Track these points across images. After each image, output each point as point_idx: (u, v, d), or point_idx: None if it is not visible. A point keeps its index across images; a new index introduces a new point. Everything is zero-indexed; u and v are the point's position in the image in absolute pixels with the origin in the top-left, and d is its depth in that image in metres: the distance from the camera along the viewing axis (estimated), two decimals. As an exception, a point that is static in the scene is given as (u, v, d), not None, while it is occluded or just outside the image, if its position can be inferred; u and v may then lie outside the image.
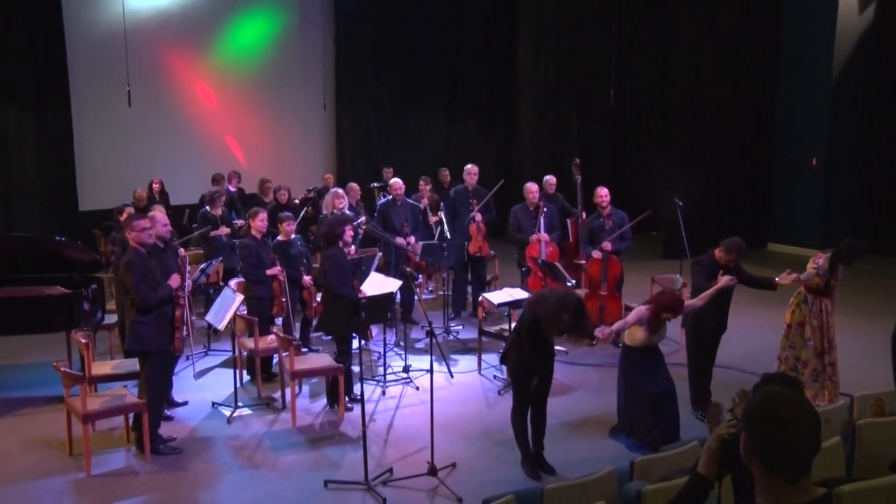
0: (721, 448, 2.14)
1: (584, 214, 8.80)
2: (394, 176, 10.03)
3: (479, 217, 8.88)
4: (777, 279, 6.19)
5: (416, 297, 8.92)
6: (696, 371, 6.37)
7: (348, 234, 6.61)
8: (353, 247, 7.81)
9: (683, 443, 4.17)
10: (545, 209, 8.42)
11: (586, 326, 5.34)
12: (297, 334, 7.61)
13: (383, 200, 9.18)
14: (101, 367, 6.34)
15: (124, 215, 7.02)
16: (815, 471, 1.92)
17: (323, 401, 6.79)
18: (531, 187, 8.51)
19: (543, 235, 8.31)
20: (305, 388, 7.02)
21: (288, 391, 6.53)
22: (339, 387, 6.47)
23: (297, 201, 10.74)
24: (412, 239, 8.66)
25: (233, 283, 7.30)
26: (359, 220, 8.51)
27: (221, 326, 6.46)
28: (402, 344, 7.88)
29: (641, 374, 5.73)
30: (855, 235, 6.46)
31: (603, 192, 8.24)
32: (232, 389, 6.67)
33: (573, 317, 5.17)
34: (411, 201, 9.17)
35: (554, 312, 5.19)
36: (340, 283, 6.44)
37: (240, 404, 6.57)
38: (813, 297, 6.26)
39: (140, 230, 5.64)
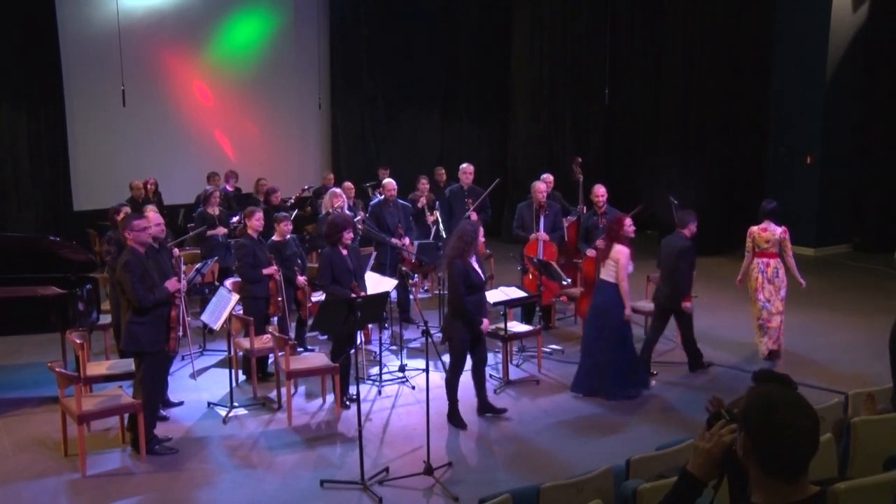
0: (724, 454, 2.01)
1: (584, 212, 8.79)
2: (389, 175, 9.99)
3: (474, 216, 8.86)
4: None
5: (411, 297, 8.91)
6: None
7: (346, 237, 6.60)
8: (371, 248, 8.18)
9: (681, 441, 4.16)
10: (547, 209, 8.41)
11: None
12: (292, 334, 7.60)
13: (375, 200, 9.16)
14: (96, 368, 6.31)
15: (121, 215, 6.99)
16: (809, 469, 1.93)
17: (318, 400, 6.78)
18: (539, 186, 8.46)
19: (542, 235, 8.30)
20: (301, 388, 7.01)
21: (284, 391, 6.53)
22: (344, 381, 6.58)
23: (291, 201, 10.72)
24: (406, 240, 8.66)
25: (228, 282, 7.29)
26: (357, 219, 8.50)
27: (217, 326, 6.45)
28: (397, 343, 7.88)
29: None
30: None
31: (600, 192, 8.25)
32: (228, 389, 6.66)
33: (471, 238, 6.10)
34: (403, 202, 9.15)
35: (457, 243, 6.12)
36: (326, 281, 6.52)
37: (235, 404, 6.56)
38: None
39: (139, 230, 5.63)
